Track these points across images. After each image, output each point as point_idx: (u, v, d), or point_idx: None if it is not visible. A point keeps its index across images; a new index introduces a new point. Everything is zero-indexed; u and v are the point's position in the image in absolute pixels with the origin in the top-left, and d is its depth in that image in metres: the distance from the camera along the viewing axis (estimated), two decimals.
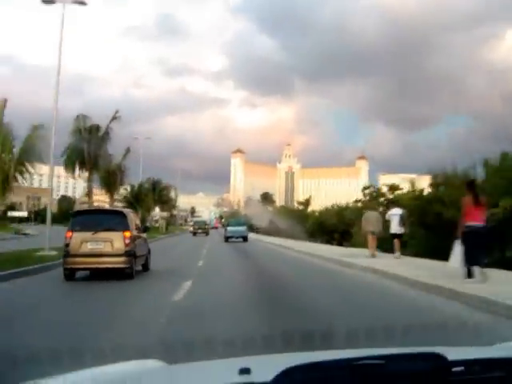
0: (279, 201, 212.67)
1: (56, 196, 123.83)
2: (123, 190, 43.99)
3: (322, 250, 21.86)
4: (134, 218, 12.61)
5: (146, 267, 12.76)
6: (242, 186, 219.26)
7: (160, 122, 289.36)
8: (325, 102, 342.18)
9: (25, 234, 42.83)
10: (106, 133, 27.35)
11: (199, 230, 49.94)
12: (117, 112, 27.74)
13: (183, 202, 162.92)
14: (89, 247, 10.79)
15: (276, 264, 16.69)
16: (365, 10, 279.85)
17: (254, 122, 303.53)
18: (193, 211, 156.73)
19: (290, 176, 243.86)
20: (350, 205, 35.99)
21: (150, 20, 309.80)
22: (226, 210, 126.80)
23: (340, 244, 30.18)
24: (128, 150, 32.81)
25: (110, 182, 30.50)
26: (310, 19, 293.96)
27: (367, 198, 29.52)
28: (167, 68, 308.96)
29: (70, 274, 10.88)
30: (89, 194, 27.01)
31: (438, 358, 1.32)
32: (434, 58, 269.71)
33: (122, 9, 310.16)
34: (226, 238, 34.57)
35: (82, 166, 26.43)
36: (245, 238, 34.65)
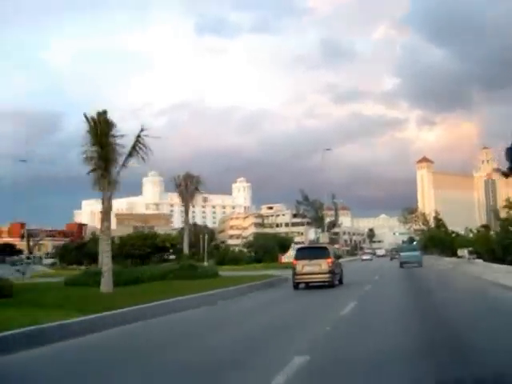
0: (479, 216, 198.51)
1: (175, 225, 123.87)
2: None
3: None
4: (332, 249, 20.86)
5: (340, 281, 20.76)
6: (432, 199, 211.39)
7: (336, 150, 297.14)
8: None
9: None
10: None
11: (396, 256, 57.56)
12: None
13: (364, 225, 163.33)
14: (307, 269, 19.18)
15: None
16: None
17: (434, 141, 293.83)
18: (371, 234, 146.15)
19: (490, 184, 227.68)
20: None
21: (315, 47, 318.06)
22: (415, 227, 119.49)
23: None
24: None
25: None
26: (482, 21, 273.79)
27: None
28: (337, 94, 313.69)
29: (296, 285, 19.43)
30: None
31: None
32: None
33: (287, 40, 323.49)
34: (401, 264, 37.35)
35: None
36: (419, 264, 36.63)
